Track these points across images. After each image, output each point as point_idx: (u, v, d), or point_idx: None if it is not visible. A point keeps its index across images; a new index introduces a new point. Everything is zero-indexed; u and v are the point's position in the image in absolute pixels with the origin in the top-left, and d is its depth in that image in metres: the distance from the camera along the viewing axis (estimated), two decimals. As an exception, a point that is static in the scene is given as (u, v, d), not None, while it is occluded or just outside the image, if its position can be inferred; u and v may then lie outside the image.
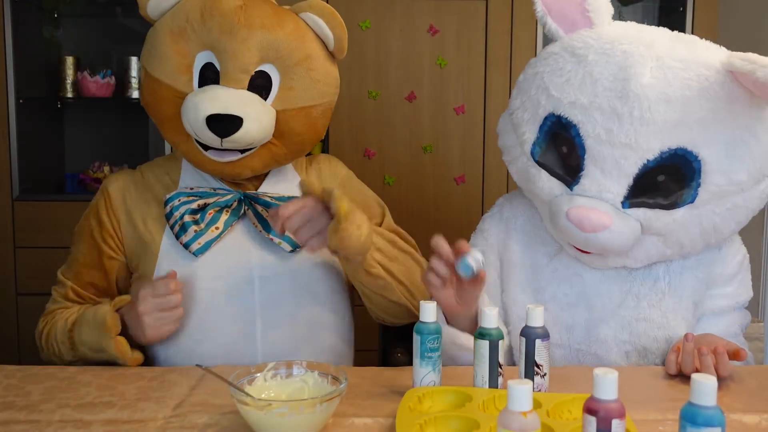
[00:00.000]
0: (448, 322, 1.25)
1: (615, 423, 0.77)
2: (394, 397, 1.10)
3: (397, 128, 2.74)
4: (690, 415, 0.77)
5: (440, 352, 1.09)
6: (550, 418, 0.96)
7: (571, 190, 1.23)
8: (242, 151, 1.28)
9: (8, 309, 2.71)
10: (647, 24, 1.30)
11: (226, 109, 1.20)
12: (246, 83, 1.26)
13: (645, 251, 1.25)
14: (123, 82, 2.82)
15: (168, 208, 1.30)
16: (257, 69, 1.27)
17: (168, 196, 1.31)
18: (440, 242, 1.14)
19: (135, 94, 2.82)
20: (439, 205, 2.76)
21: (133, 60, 2.79)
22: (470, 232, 1.51)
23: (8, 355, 2.68)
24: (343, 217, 1.11)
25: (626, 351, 1.30)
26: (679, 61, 1.17)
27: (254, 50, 1.25)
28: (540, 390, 1.06)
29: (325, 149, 2.71)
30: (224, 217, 1.30)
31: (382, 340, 1.62)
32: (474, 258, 1.12)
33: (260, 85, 1.27)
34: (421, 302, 1.09)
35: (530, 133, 1.28)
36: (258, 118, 1.23)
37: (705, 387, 0.76)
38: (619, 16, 2.90)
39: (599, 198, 1.20)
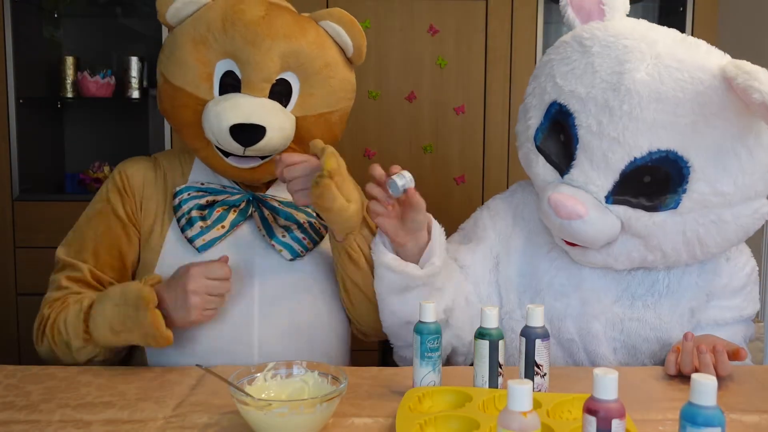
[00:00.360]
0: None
1: (615, 423, 0.77)
2: (394, 397, 1.10)
3: (397, 128, 2.74)
4: (690, 415, 0.77)
5: (440, 352, 1.09)
6: (550, 418, 0.96)
7: (562, 178, 1.25)
8: (262, 158, 1.29)
9: (8, 309, 2.71)
10: (647, 24, 1.29)
11: (249, 118, 1.21)
12: (267, 91, 1.26)
13: (626, 253, 1.25)
14: (123, 82, 2.82)
15: (177, 201, 1.30)
16: (278, 77, 1.28)
17: (177, 189, 1.31)
18: (374, 166, 1.16)
19: (135, 94, 2.82)
20: (439, 205, 2.74)
21: (133, 60, 2.79)
22: (465, 221, 1.51)
23: (8, 355, 2.68)
24: (326, 173, 1.14)
25: (615, 347, 1.31)
26: (676, 62, 1.17)
27: (276, 59, 1.25)
28: (540, 390, 1.06)
29: (325, 149, 2.71)
30: (231, 216, 1.31)
31: (382, 340, 1.62)
32: (402, 176, 1.13)
33: (280, 92, 1.28)
34: (421, 302, 1.09)
35: (536, 119, 1.31)
36: (280, 126, 1.25)
37: (705, 387, 0.76)
38: (619, 16, 2.90)
39: (584, 189, 1.21)
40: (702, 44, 1.23)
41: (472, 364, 1.10)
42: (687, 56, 1.18)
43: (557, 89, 1.26)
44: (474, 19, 2.70)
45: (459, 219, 2.68)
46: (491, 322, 1.06)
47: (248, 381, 1.02)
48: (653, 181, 1.19)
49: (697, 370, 1.14)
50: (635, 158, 1.18)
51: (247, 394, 0.96)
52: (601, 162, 1.20)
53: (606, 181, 1.20)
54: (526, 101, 1.36)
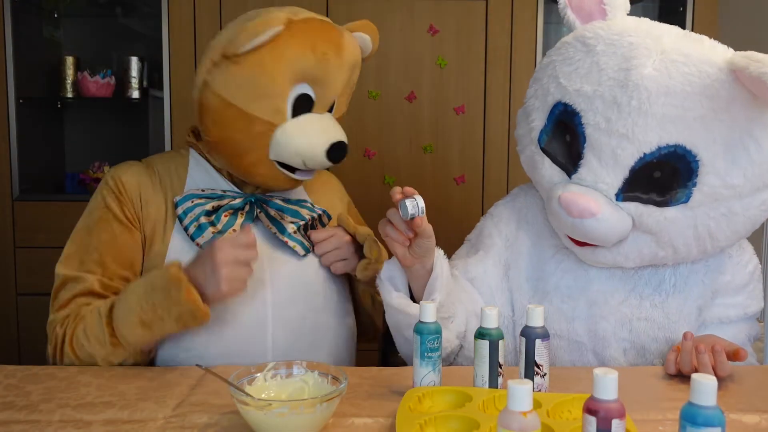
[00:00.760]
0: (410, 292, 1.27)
1: (615, 423, 0.77)
2: (394, 397, 1.10)
3: (397, 128, 2.74)
4: (690, 415, 0.77)
5: (440, 352, 1.09)
6: (550, 418, 0.96)
7: (570, 179, 1.25)
8: None
9: (8, 309, 2.71)
10: (647, 24, 1.30)
11: (338, 137, 1.30)
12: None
13: (637, 250, 1.25)
14: (123, 82, 2.82)
15: (180, 210, 1.29)
16: None
17: (178, 199, 1.30)
18: (394, 191, 1.17)
19: (135, 94, 2.82)
20: (439, 205, 2.75)
21: (133, 60, 2.79)
22: (470, 232, 1.51)
23: (8, 355, 2.69)
24: (375, 261, 1.34)
25: (624, 348, 1.31)
26: (682, 56, 1.17)
27: (345, 74, 1.32)
28: (540, 390, 1.06)
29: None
30: (240, 219, 1.31)
31: (382, 340, 1.62)
32: (413, 202, 1.14)
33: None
34: (421, 302, 1.09)
35: (539, 121, 1.31)
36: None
37: (705, 387, 0.76)
38: (619, 16, 2.90)
39: (594, 188, 1.21)
40: (705, 39, 1.24)
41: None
42: (693, 50, 1.18)
43: (561, 89, 1.26)
44: (474, 19, 2.70)
45: (459, 219, 2.69)
46: (491, 322, 1.06)
47: (248, 381, 1.02)
48: (663, 177, 1.19)
49: (696, 370, 1.14)
50: (645, 154, 1.18)
51: (247, 394, 0.96)
52: (610, 159, 1.20)
53: (616, 179, 1.20)
54: (527, 104, 1.36)
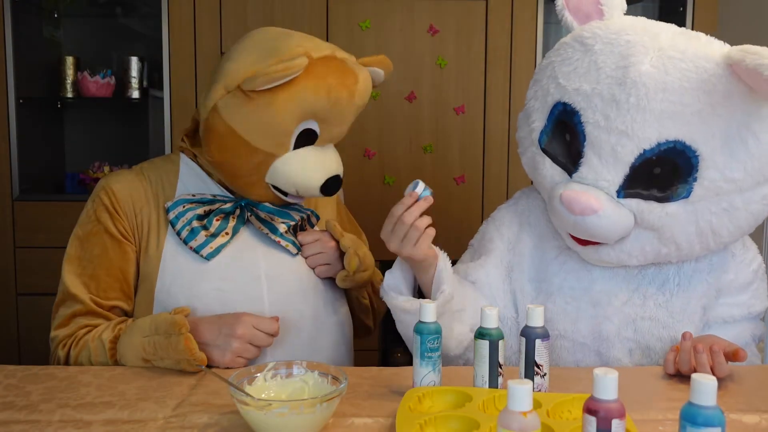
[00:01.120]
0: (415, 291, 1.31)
1: (615, 423, 0.77)
2: (394, 397, 1.10)
3: (397, 128, 2.74)
4: (690, 415, 0.77)
5: (440, 352, 1.09)
6: (550, 418, 0.96)
7: (571, 178, 1.25)
8: None
9: (8, 309, 2.71)
10: (647, 24, 1.30)
11: (334, 171, 1.33)
12: None
13: (640, 247, 1.25)
14: (123, 82, 2.82)
15: (172, 215, 1.31)
16: None
17: (169, 204, 1.32)
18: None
19: (135, 94, 2.82)
20: (439, 205, 2.74)
21: (133, 60, 2.79)
22: (470, 232, 1.51)
23: (8, 355, 2.68)
24: (352, 273, 1.36)
25: (630, 348, 1.31)
26: (679, 53, 1.18)
27: (355, 115, 1.35)
28: (540, 390, 1.06)
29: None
30: (232, 223, 1.34)
31: (382, 340, 1.62)
32: (419, 184, 1.22)
33: None
34: (421, 302, 1.09)
35: (539, 122, 1.31)
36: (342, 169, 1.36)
37: (705, 387, 0.76)
38: (619, 16, 2.90)
39: (595, 185, 1.22)
40: (701, 35, 1.24)
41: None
42: (689, 47, 1.19)
43: (561, 89, 1.26)
44: (474, 19, 2.70)
45: (459, 219, 2.69)
46: (491, 322, 1.06)
47: (248, 381, 1.02)
48: (663, 172, 1.20)
49: (695, 370, 1.14)
50: (644, 150, 1.18)
51: (247, 394, 0.96)
52: (610, 157, 1.20)
53: (616, 176, 1.21)
54: (527, 106, 1.37)
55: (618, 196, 1.21)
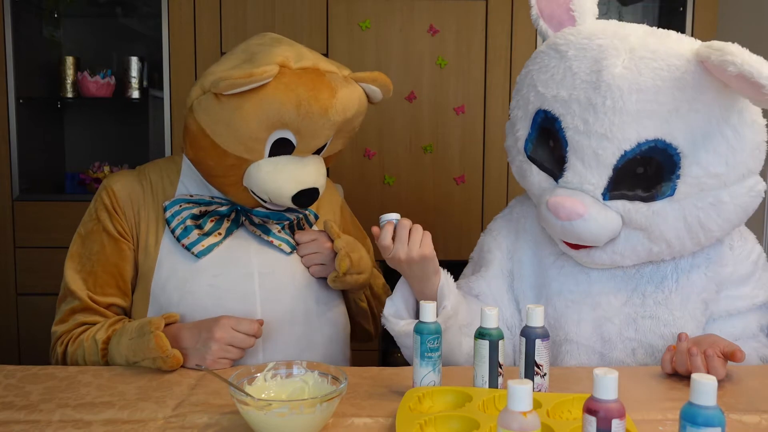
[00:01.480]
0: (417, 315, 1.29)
1: (615, 423, 0.77)
2: (394, 397, 1.10)
3: (397, 128, 2.74)
4: (690, 415, 0.77)
5: (440, 352, 1.09)
6: (550, 418, 0.96)
7: (557, 183, 1.26)
8: None
9: (8, 309, 2.71)
10: (647, 24, 1.31)
11: (306, 185, 1.29)
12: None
13: (631, 247, 1.26)
14: (123, 82, 2.82)
15: (168, 213, 1.33)
16: None
17: (167, 203, 1.34)
18: (374, 230, 1.26)
19: (135, 94, 2.82)
20: (439, 205, 2.75)
21: (133, 60, 2.79)
22: (470, 232, 1.52)
23: (8, 355, 2.69)
24: (342, 274, 1.34)
25: (633, 348, 1.31)
26: (650, 52, 1.19)
27: (332, 131, 1.30)
28: (540, 390, 1.06)
29: (325, 149, 2.71)
30: (225, 225, 1.35)
31: (382, 340, 1.62)
32: (385, 216, 1.24)
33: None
34: (421, 302, 1.09)
35: (523, 130, 1.33)
36: (324, 181, 1.34)
37: (705, 387, 0.76)
38: (619, 16, 2.90)
39: (580, 190, 1.23)
40: (672, 33, 1.25)
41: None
42: (660, 46, 1.20)
43: (540, 97, 1.28)
44: (474, 19, 2.70)
45: (459, 219, 2.69)
46: (491, 322, 1.06)
47: (248, 381, 1.02)
48: (646, 172, 1.20)
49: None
50: (625, 151, 1.19)
51: (247, 394, 0.96)
52: (592, 160, 1.21)
53: (600, 179, 1.21)
54: (511, 115, 1.38)
55: (604, 199, 1.22)
